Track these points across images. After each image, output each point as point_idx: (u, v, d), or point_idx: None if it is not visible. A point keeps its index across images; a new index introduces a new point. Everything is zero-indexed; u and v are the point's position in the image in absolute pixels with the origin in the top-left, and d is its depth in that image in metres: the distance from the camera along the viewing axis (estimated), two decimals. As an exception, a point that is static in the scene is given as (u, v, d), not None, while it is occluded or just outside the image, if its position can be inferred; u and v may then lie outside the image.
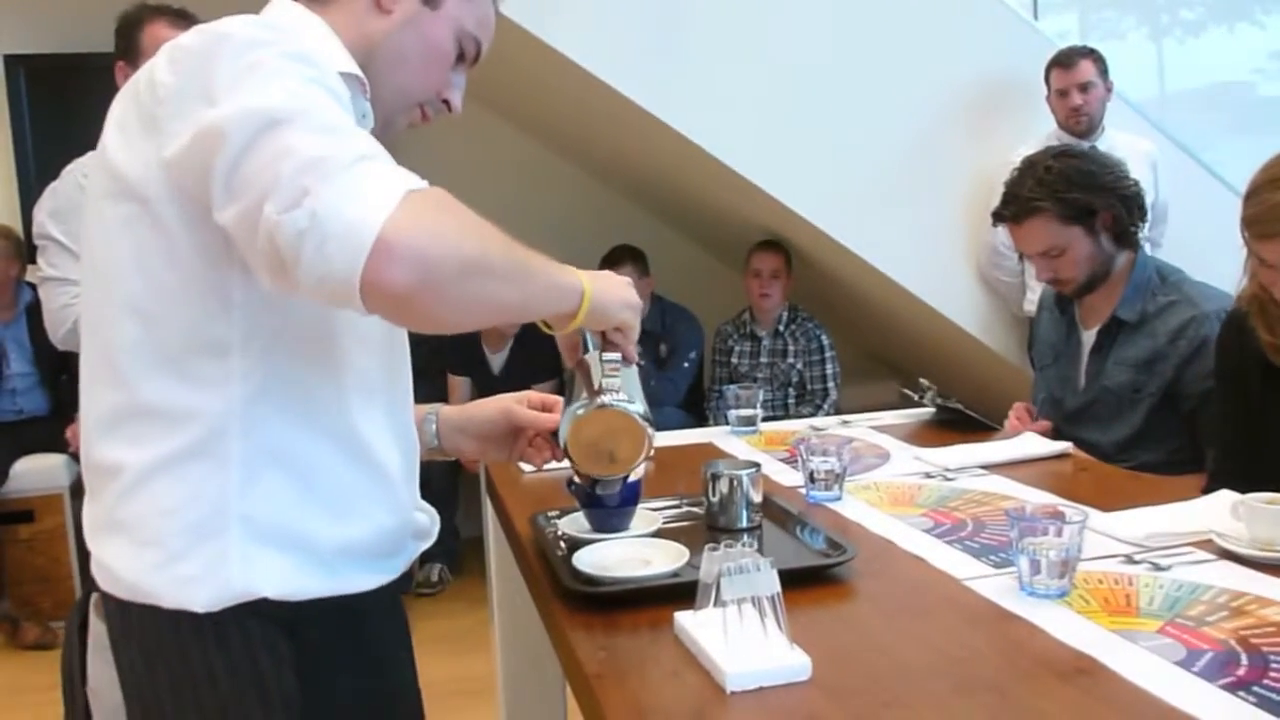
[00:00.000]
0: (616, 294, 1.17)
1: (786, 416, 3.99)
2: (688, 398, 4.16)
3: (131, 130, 1.05)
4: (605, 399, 1.22)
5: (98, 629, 1.17)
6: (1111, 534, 1.49)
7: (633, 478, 1.51)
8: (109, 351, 1.08)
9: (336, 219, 0.88)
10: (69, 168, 2.37)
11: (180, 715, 1.08)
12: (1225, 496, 1.56)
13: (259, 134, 0.92)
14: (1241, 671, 1.08)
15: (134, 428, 1.06)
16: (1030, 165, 2.19)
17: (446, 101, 1.21)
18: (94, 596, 1.17)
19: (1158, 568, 1.37)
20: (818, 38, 3.44)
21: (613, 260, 4.05)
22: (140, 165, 1.03)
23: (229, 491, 1.05)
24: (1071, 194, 2.11)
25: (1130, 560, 1.40)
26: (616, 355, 1.22)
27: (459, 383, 4.22)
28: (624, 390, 1.23)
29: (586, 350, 1.27)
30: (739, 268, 4.22)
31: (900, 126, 3.57)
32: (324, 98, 0.98)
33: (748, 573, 1.10)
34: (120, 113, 1.08)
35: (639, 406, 1.23)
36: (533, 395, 1.44)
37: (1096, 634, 1.17)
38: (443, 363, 4.21)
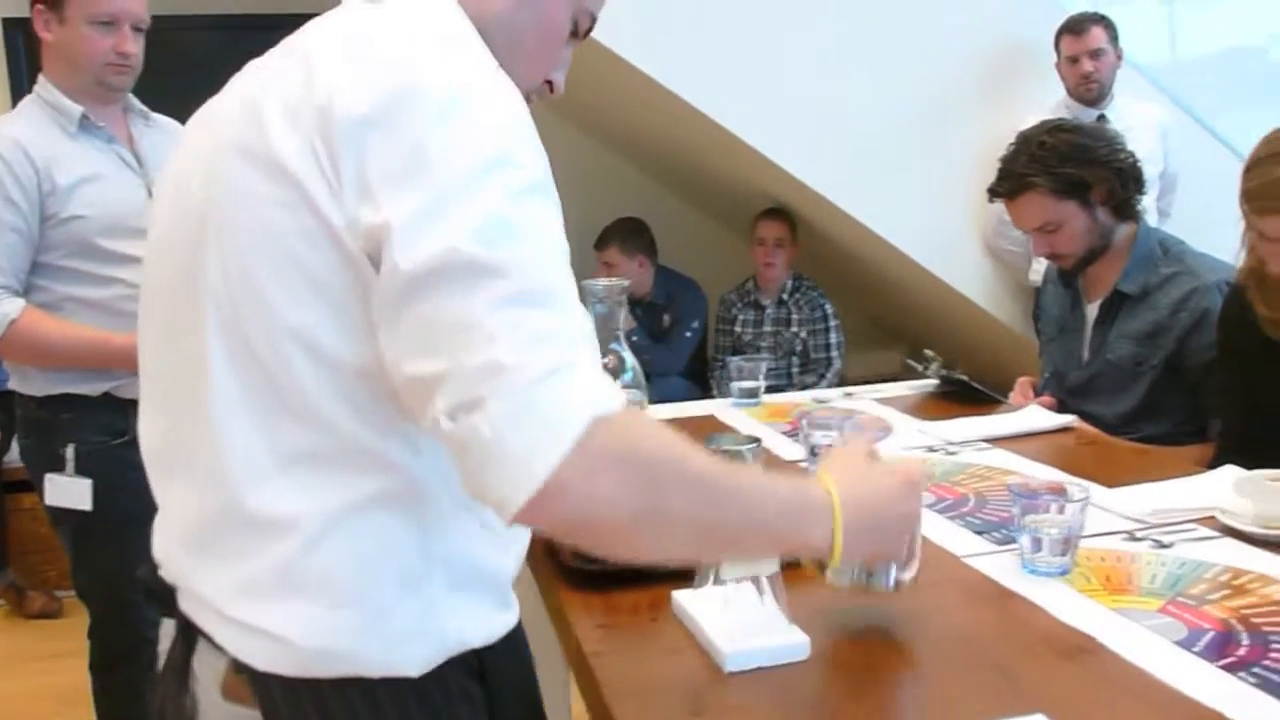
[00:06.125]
0: (887, 523, 1.04)
1: (790, 385, 3.98)
2: (692, 367, 4.15)
3: (291, 143, 0.86)
4: None
5: (238, 714, 0.96)
6: (1115, 510, 1.48)
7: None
8: (275, 380, 0.89)
9: (503, 449, 0.78)
10: None
11: None
12: (1230, 472, 1.55)
13: (458, 282, 0.79)
14: (1242, 651, 1.07)
15: (321, 472, 0.90)
16: (1024, 140, 2.17)
17: (549, 83, 1.08)
18: (224, 673, 0.95)
19: (1160, 545, 1.36)
20: (823, 3, 3.40)
21: (602, 241, 4.05)
22: (311, 203, 0.86)
23: (430, 533, 0.93)
24: (1064, 168, 2.09)
25: (1133, 537, 1.39)
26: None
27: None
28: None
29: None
30: (746, 235, 4.19)
31: (907, 93, 3.52)
32: (544, 233, 0.85)
33: (747, 552, 1.09)
34: (271, 113, 0.88)
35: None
36: None
37: (1098, 613, 1.17)
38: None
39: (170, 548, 1.00)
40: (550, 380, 0.79)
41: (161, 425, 1.01)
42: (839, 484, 0.98)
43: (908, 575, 1.12)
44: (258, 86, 0.92)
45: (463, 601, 0.95)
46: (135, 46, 2.13)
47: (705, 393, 3.96)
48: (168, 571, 1.00)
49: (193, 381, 0.93)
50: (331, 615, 0.90)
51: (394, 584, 0.92)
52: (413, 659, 0.92)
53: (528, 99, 1.04)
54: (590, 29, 1.09)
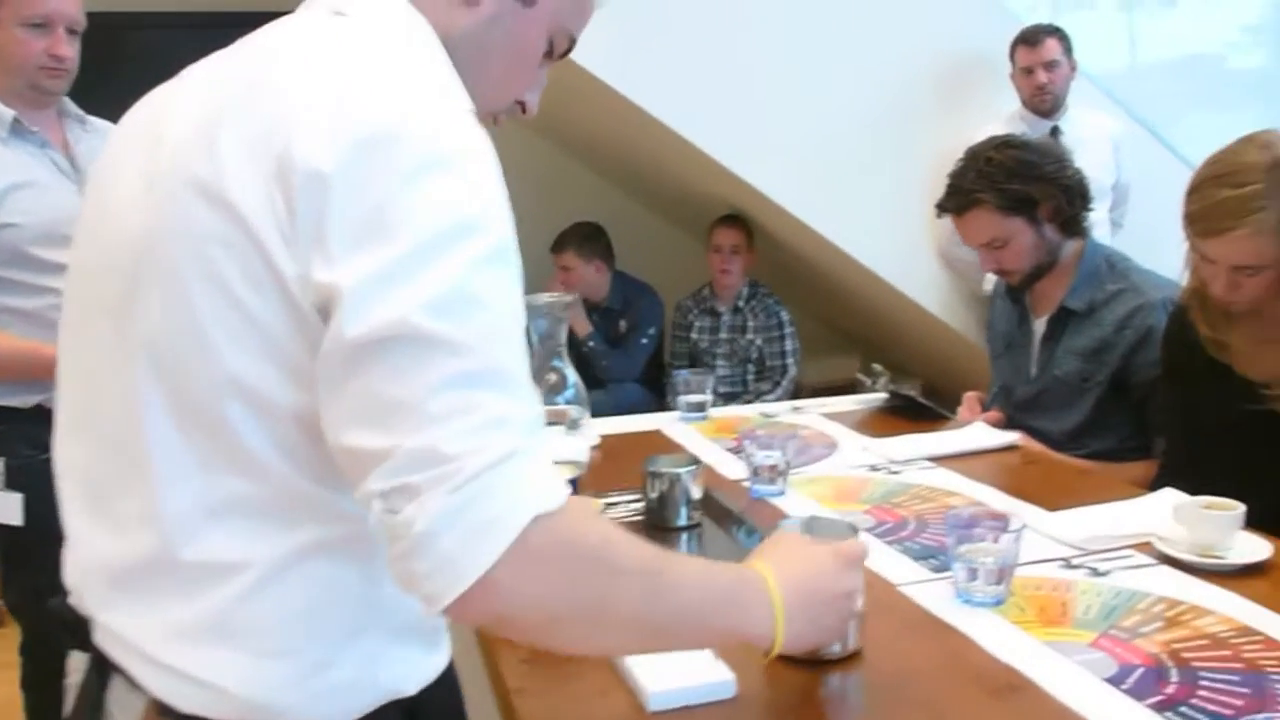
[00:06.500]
0: (827, 604, 1.02)
1: (745, 393, 3.97)
2: (648, 374, 4.13)
3: (246, 184, 0.81)
4: None
5: None
6: (1052, 535, 1.47)
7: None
8: (212, 427, 0.85)
9: (435, 545, 0.75)
10: None
11: None
12: (1168, 496, 1.55)
13: (406, 356, 0.76)
14: (1171, 689, 1.07)
15: (259, 519, 0.86)
16: (972, 156, 2.16)
17: (521, 103, 1.04)
18: (143, 713, 0.90)
19: (1096, 573, 1.36)
20: (780, 13, 3.38)
21: (559, 245, 4.03)
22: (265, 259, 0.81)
23: (374, 581, 0.89)
24: (1011, 185, 2.08)
25: (1069, 565, 1.38)
26: None
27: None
28: None
29: None
30: (703, 241, 4.18)
31: (864, 102, 3.52)
32: (502, 307, 0.80)
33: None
34: (227, 148, 0.82)
35: None
36: None
37: (1029, 647, 1.16)
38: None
39: (88, 581, 0.95)
40: (493, 473, 0.76)
41: (84, 453, 0.96)
42: (775, 570, 0.97)
43: (853, 640, 1.13)
44: (213, 113, 0.86)
45: (400, 650, 0.93)
46: (70, 49, 2.08)
47: (661, 399, 3.94)
48: (82, 602, 0.95)
49: (124, 421, 0.88)
50: (269, 665, 0.87)
51: (335, 634, 0.88)
52: (347, 709, 0.89)
53: (495, 119, 1.02)
54: (569, 50, 1.04)
